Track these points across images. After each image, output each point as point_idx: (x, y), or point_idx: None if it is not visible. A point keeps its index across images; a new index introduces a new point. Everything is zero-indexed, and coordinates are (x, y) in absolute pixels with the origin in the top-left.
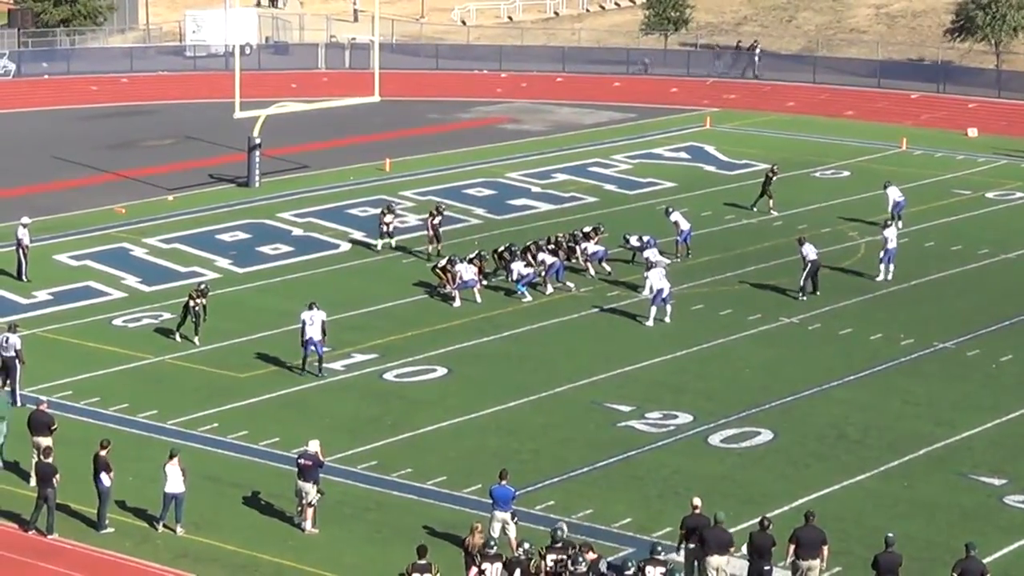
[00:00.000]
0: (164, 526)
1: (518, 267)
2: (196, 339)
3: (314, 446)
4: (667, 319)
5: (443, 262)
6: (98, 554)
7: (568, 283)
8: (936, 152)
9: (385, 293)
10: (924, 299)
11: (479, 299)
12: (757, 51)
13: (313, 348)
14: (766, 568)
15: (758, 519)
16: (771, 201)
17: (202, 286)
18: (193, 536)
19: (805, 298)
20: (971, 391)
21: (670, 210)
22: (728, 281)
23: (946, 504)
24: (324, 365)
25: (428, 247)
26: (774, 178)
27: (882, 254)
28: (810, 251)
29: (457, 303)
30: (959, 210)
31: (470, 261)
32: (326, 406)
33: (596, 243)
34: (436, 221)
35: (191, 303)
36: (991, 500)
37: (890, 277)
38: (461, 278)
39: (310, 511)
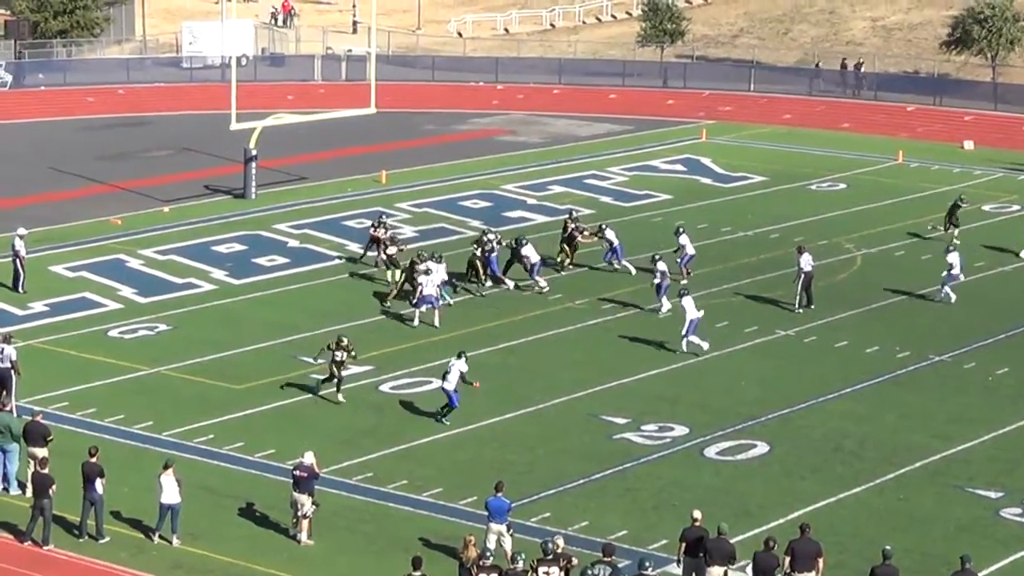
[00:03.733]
0: (160, 536)
1: (529, 253)
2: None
3: (309, 458)
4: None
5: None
6: (94, 565)
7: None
8: (933, 165)
9: (381, 305)
10: (920, 312)
11: (437, 322)
12: (862, 70)
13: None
14: None
15: (754, 533)
16: (955, 231)
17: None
18: (189, 547)
19: (801, 311)
20: (968, 404)
21: (680, 230)
22: (724, 293)
23: (942, 517)
24: (320, 377)
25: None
26: (962, 206)
27: (945, 275)
28: (806, 262)
29: (415, 323)
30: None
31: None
32: (322, 417)
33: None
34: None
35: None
36: (987, 513)
37: (953, 301)
38: (422, 292)
39: (305, 523)
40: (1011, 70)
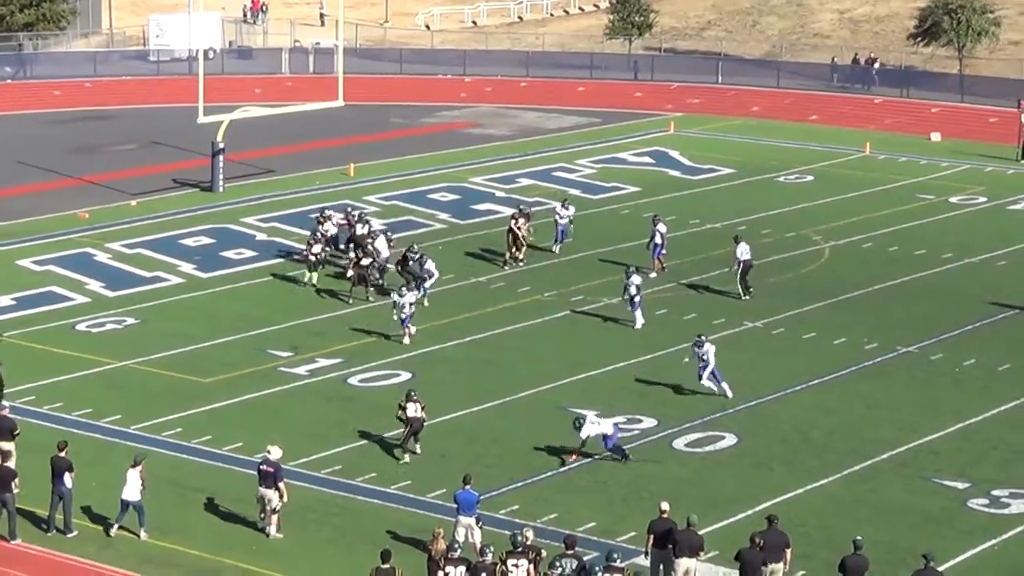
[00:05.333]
0: (122, 528)
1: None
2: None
3: (275, 452)
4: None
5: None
6: (61, 559)
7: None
8: (900, 157)
9: (358, 295)
10: (888, 303)
11: (408, 339)
12: (876, 65)
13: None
14: None
15: (722, 525)
16: None
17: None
18: (157, 541)
19: (748, 298)
20: (935, 395)
21: (657, 219)
22: (693, 286)
23: (909, 508)
24: (289, 370)
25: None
26: None
27: None
28: (744, 251)
29: (407, 340)
30: (923, 215)
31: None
32: (290, 411)
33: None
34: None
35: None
36: (954, 504)
37: None
38: (400, 313)
39: (274, 517)
40: (978, 62)
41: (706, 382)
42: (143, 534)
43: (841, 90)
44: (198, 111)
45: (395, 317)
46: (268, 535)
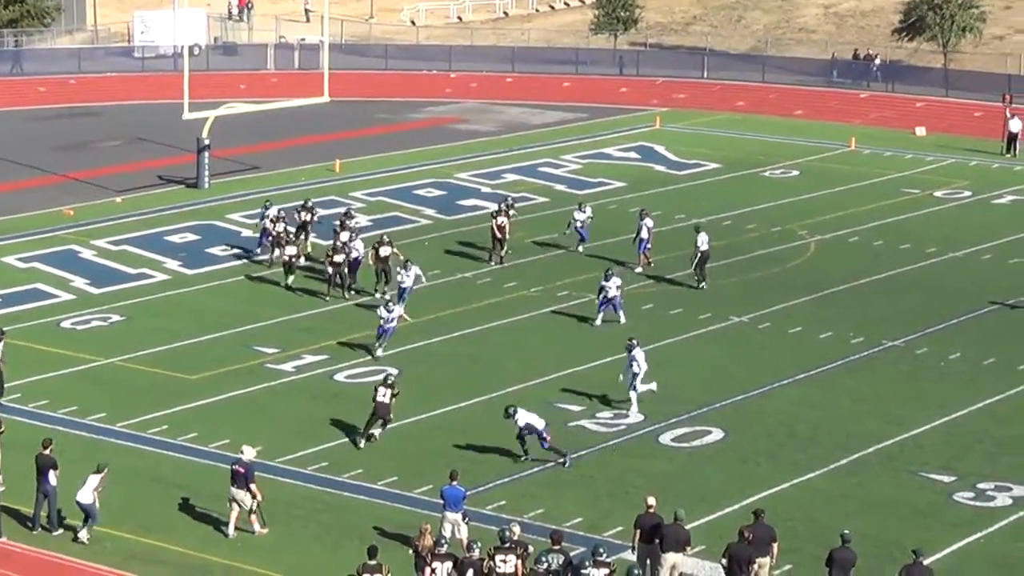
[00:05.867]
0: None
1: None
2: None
3: (248, 452)
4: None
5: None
6: (47, 557)
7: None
8: (885, 151)
9: (335, 294)
10: (873, 298)
11: (380, 352)
12: (876, 61)
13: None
14: None
15: (709, 519)
16: None
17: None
18: (143, 538)
19: (705, 286)
20: (920, 389)
21: (644, 213)
22: (678, 281)
23: (896, 501)
24: (275, 367)
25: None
26: None
27: None
28: (703, 241)
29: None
30: (908, 209)
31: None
32: (276, 407)
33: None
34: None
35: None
36: (940, 497)
37: None
38: (386, 324)
39: (253, 516)
40: (962, 56)
41: (635, 390)
42: (84, 533)
43: (841, 86)
44: (183, 107)
45: (381, 326)
46: (228, 536)
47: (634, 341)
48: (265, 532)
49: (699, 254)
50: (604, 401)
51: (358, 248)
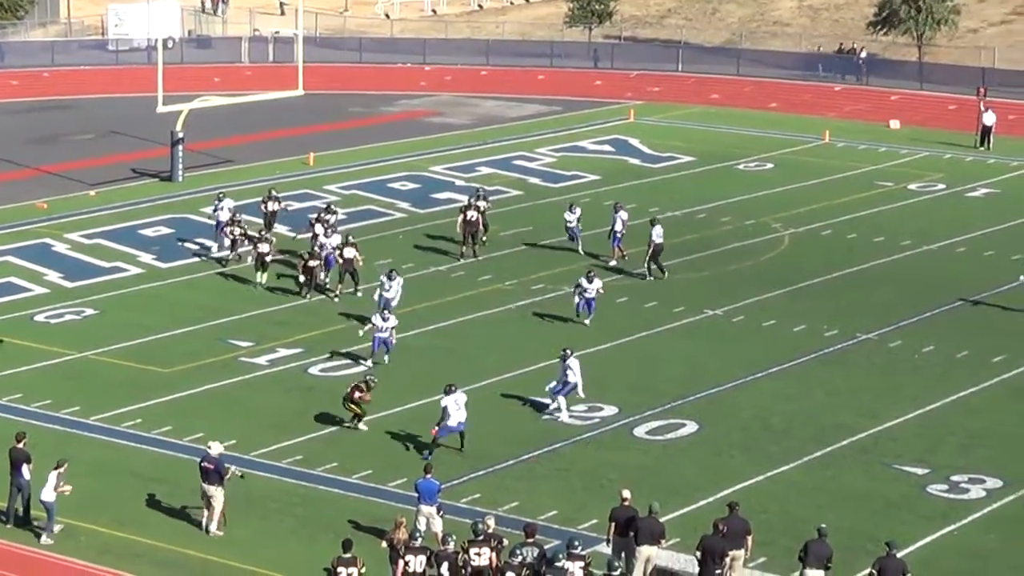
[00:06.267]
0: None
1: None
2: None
3: (216, 448)
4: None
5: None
6: (21, 551)
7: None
8: (859, 144)
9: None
10: (847, 290)
11: (372, 361)
12: (862, 54)
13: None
14: (716, 572)
15: (683, 512)
16: None
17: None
18: (117, 532)
19: (652, 278)
20: (894, 382)
21: (619, 206)
22: (653, 274)
23: (869, 494)
24: (249, 360)
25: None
26: None
27: None
28: (658, 234)
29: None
30: (882, 202)
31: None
32: (251, 401)
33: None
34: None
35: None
36: (914, 490)
37: None
38: (378, 333)
39: (216, 514)
40: (937, 49)
41: (563, 396)
42: (45, 538)
43: (828, 80)
44: (157, 100)
45: (373, 333)
46: (208, 532)
47: (568, 351)
48: (221, 535)
49: (653, 246)
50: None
51: (333, 243)
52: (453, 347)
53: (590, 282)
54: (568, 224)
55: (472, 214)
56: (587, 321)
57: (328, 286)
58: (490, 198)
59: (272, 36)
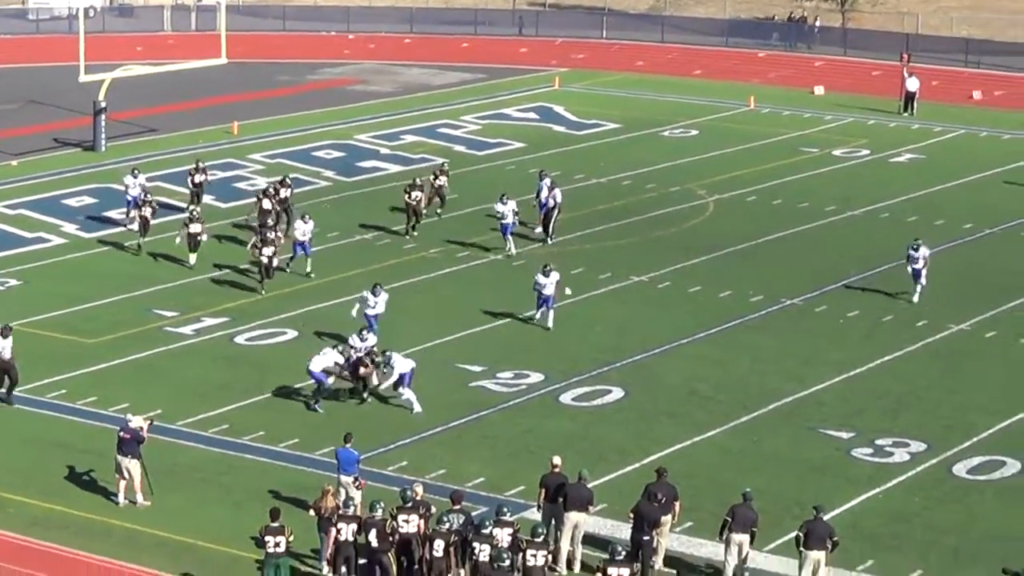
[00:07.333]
0: None
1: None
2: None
3: (136, 421)
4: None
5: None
6: None
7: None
8: (783, 110)
9: (234, 256)
10: (772, 256)
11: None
12: (816, 24)
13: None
14: (646, 539)
15: (611, 478)
16: None
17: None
18: (44, 503)
19: (552, 241)
20: (819, 347)
21: (543, 174)
22: (577, 240)
23: (795, 458)
24: (175, 330)
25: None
26: None
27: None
28: (552, 193)
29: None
30: (806, 168)
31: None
32: (176, 370)
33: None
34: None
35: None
36: (839, 454)
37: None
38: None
39: (136, 484)
40: (861, 15)
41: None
42: None
43: (783, 49)
44: (79, 70)
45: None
46: (136, 503)
47: (389, 353)
48: (148, 504)
49: (548, 207)
50: (505, 363)
51: (307, 230)
52: (379, 315)
53: (546, 276)
54: (501, 220)
55: (416, 194)
56: (550, 323)
57: (291, 270)
58: (446, 167)
59: (195, 4)
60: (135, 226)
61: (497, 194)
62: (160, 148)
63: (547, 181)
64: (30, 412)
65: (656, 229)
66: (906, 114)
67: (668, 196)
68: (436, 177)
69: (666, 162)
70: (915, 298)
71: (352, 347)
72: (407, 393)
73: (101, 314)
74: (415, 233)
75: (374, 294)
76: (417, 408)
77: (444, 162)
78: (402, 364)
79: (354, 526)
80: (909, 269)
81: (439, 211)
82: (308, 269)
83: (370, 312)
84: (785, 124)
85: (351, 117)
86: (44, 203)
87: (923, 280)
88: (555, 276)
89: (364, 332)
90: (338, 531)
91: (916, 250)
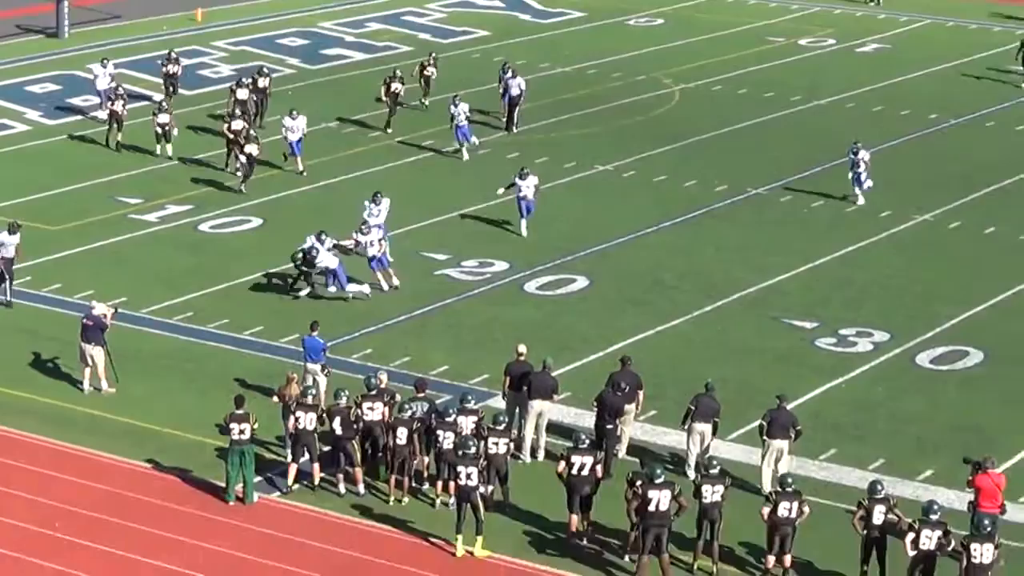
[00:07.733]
0: None
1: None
2: None
3: (99, 308)
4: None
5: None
6: None
7: None
8: None
9: (199, 144)
10: (738, 146)
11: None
12: None
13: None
14: (609, 427)
15: (575, 366)
16: None
17: None
18: (8, 390)
19: (516, 131)
20: (784, 236)
21: (507, 66)
22: (542, 130)
23: (759, 348)
24: (139, 217)
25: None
26: None
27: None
28: (517, 84)
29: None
30: (772, 57)
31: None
32: (140, 258)
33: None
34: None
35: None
36: (803, 343)
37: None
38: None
39: (100, 371)
40: None
41: (347, 288)
42: None
43: None
44: None
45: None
46: (100, 391)
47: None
48: (113, 392)
49: (511, 98)
50: (467, 254)
51: (298, 127)
52: (342, 203)
53: (523, 179)
54: (458, 124)
55: (396, 86)
56: (524, 231)
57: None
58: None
59: None
60: (103, 114)
61: (461, 84)
62: (124, 35)
63: (510, 74)
64: None
65: (621, 118)
66: (872, 4)
67: (634, 85)
68: (424, 68)
69: (632, 51)
70: (860, 200)
71: (358, 242)
72: (350, 287)
73: (65, 201)
74: (390, 131)
75: (375, 202)
76: (366, 290)
77: (432, 53)
78: (328, 260)
79: (313, 415)
80: (850, 174)
81: (425, 101)
82: (300, 168)
83: (373, 221)
84: (751, 13)
85: (315, 4)
86: (7, 90)
87: (868, 182)
88: (532, 179)
89: (364, 227)
90: (297, 419)
91: (856, 153)
